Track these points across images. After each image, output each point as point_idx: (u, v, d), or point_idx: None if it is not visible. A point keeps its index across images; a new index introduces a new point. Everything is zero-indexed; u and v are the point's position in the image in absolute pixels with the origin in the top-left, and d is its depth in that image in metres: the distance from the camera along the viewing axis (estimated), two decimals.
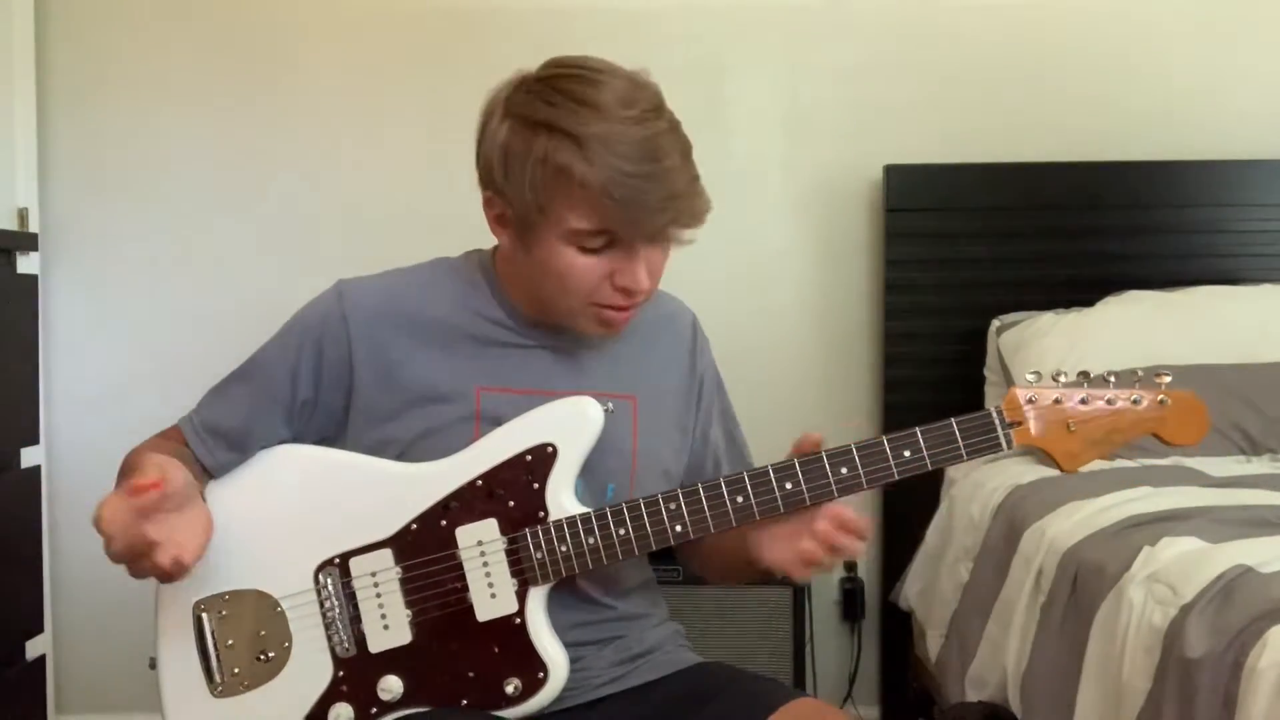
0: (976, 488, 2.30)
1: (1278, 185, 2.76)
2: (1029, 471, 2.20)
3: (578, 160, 1.24)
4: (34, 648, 2.67)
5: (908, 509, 2.53)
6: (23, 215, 2.69)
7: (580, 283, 1.30)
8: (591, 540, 1.31)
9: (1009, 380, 2.54)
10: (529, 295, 1.39)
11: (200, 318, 2.80)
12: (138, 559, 1.24)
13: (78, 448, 2.80)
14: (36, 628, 2.69)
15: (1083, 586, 1.74)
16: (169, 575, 1.26)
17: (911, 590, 2.52)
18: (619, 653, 1.42)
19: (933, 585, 2.40)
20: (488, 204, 1.35)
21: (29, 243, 2.68)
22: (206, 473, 1.40)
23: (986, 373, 2.69)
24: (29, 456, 2.66)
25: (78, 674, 2.84)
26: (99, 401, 2.80)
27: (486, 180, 1.34)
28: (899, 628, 2.72)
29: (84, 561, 2.79)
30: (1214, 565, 1.51)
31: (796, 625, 2.40)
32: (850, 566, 2.85)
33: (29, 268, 2.70)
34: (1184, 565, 1.55)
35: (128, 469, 1.37)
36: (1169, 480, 2.02)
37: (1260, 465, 2.26)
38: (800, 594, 2.41)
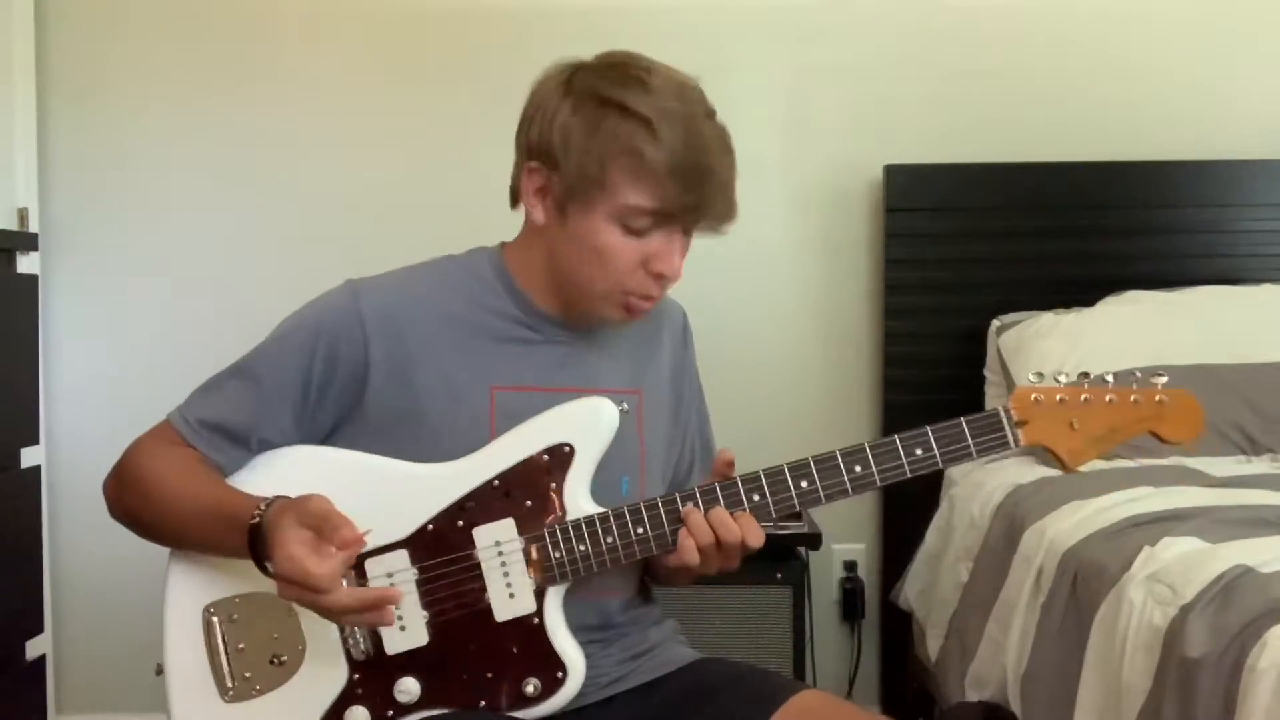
0: (976, 488, 2.30)
1: (1278, 185, 2.76)
2: (1029, 471, 2.20)
3: (648, 142, 1.29)
4: (34, 648, 2.67)
5: (908, 509, 2.53)
6: (23, 215, 2.69)
7: (617, 263, 1.33)
8: (610, 539, 1.32)
9: (1009, 380, 2.54)
10: (547, 281, 1.40)
11: (200, 318, 2.80)
12: (364, 613, 1.24)
13: (78, 448, 2.80)
14: (36, 628, 2.69)
15: (1083, 586, 1.74)
16: None
17: (911, 590, 2.51)
18: (624, 651, 1.43)
19: (933, 585, 2.40)
20: (529, 175, 1.37)
21: (29, 243, 2.68)
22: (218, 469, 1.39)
23: (986, 373, 2.69)
24: (29, 456, 2.66)
25: (78, 674, 2.84)
26: (99, 401, 2.80)
27: (538, 152, 1.35)
28: (899, 628, 2.72)
29: (84, 561, 2.79)
30: (1214, 565, 1.51)
31: (796, 625, 2.40)
32: (850, 566, 2.85)
33: (29, 268, 2.70)
34: (1184, 565, 1.55)
35: (138, 481, 1.37)
36: (1169, 480, 2.02)
37: (1260, 465, 2.26)
38: (800, 594, 2.40)
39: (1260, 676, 1.30)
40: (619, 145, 1.29)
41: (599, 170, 1.30)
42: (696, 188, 1.31)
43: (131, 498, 1.39)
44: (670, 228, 1.34)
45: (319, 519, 1.21)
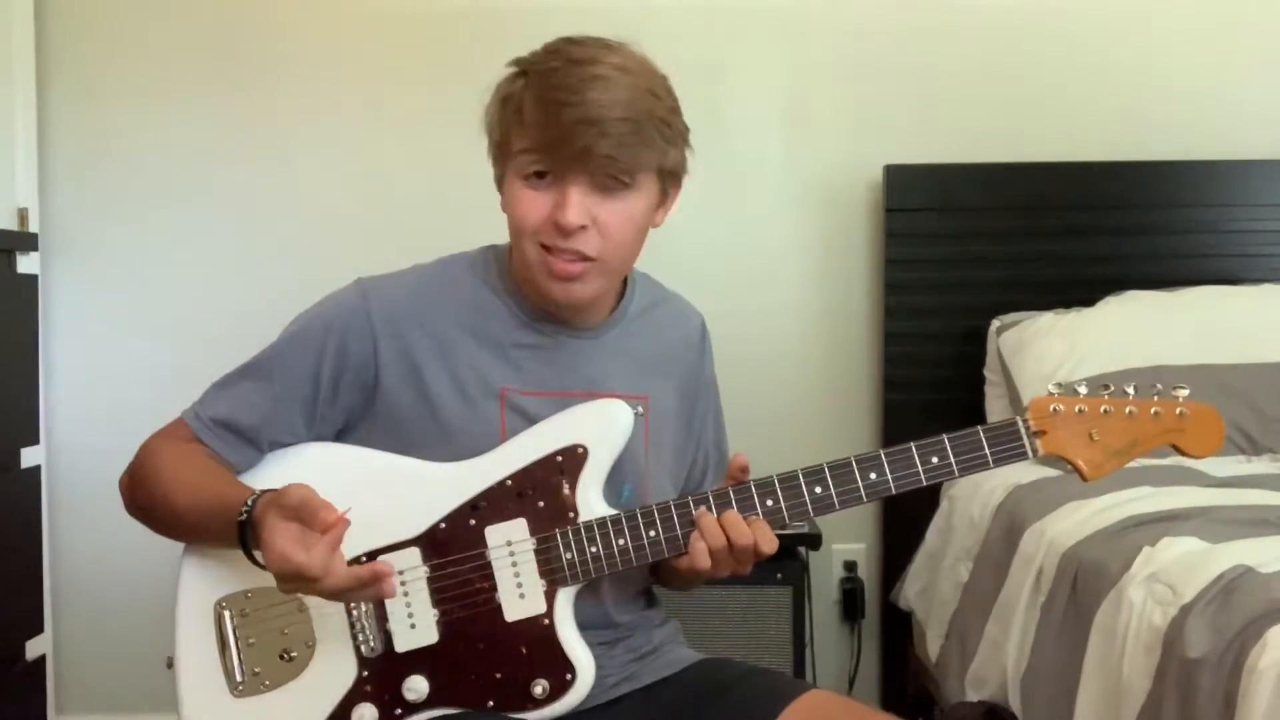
0: (976, 488, 2.30)
1: (1278, 185, 2.76)
2: (1029, 471, 2.20)
3: (520, 88, 1.34)
4: (34, 648, 2.67)
5: (908, 509, 2.52)
6: (23, 215, 2.69)
7: (525, 216, 1.33)
8: (621, 541, 1.32)
9: (1009, 380, 2.54)
10: (525, 273, 1.39)
11: (200, 318, 2.79)
12: (363, 590, 1.22)
13: (78, 448, 2.79)
14: (36, 628, 2.69)
15: (1083, 586, 1.74)
16: None
17: (911, 590, 2.52)
18: (629, 652, 1.43)
19: (933, 585, 2.40)
20: (493, 165, 1.40)
21: (29, 243, 2.68)
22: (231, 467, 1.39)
23: (986, 373, 2.69)
24: (29, 456, 2.66)
25: (78, 674, 2.84)
26: (99, 402, 2.80)
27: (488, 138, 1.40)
28: (899, 628, 2.72)
29: (84, 561, 2.79)
30: (1214, 565, 1.51)
31: (796, 625, 2.40)
32: (850, 566, 2.85)
33: (29, 268, 2.70)
34: (1184, 565, 1.55)
35: (148, 477, 1.37)
36: (1169, 480, 2.02)
37: (1260, 465, 2.26)
38: (800, 594, 2.41)
39: (1260, 676, 1.30)
40: (503, 98, 1.35)
41: (495, 126, 1.36)
42: (551, 122, 1.29)
43: (143, 494, 1.39)
44: (558, 176, 1.31)
45: (298, 508, 1.20)
